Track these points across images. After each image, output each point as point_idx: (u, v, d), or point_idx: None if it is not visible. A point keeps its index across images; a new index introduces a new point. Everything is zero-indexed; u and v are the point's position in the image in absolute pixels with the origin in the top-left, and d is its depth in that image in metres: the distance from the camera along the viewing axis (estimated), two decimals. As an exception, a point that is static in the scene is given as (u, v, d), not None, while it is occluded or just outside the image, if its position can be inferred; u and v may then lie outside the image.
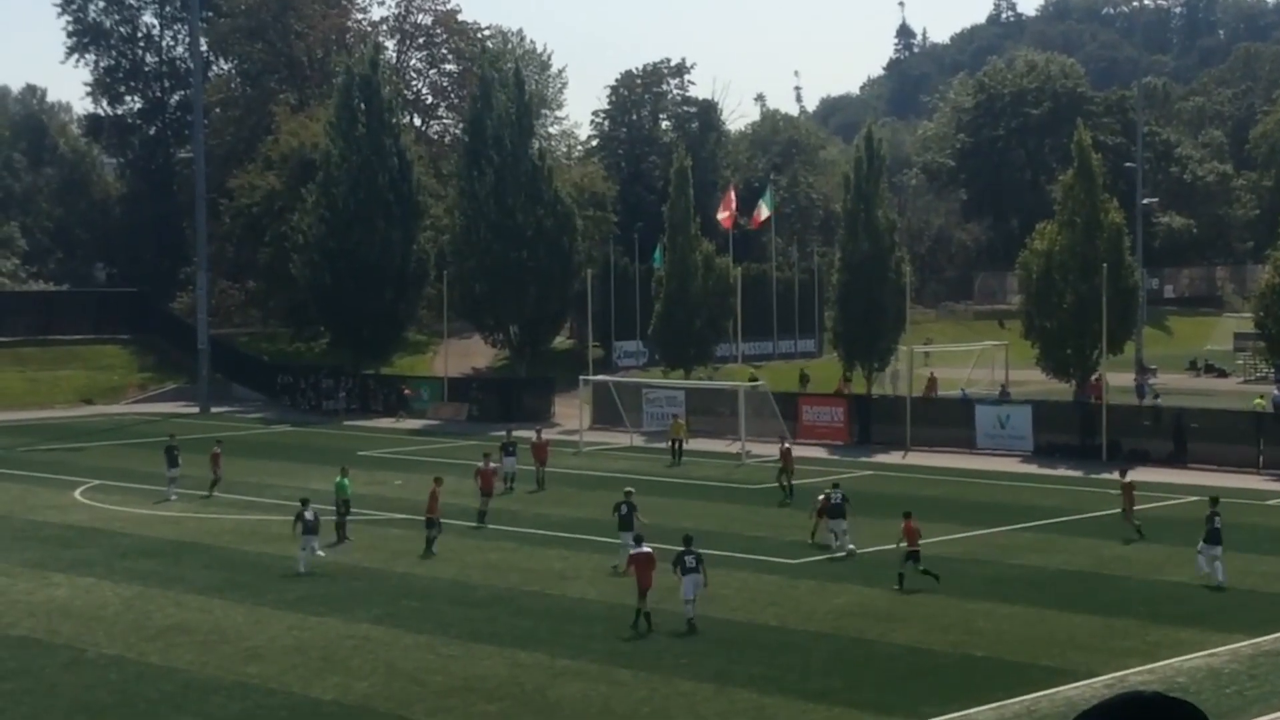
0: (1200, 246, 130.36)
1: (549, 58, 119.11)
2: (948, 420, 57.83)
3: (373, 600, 31.27)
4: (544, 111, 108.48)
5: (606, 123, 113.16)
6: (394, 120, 77.11)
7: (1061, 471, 50.29)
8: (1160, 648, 26.84)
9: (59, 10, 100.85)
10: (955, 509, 41.71)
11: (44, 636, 28.59)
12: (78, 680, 25.58)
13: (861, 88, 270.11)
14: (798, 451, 55.08)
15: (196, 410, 74.00)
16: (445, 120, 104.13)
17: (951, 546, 36.84)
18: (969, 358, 74.02)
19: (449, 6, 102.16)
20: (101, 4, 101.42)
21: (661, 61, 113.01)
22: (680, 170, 71.72)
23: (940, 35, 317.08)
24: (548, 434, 53.29)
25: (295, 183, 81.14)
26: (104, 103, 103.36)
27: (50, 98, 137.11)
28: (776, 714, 23.22)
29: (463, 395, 71.19)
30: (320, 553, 35.07)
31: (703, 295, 70.26)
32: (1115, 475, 40.84)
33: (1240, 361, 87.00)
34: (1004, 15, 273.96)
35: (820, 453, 56.09)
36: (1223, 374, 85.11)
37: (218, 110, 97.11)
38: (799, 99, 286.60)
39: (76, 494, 47.13)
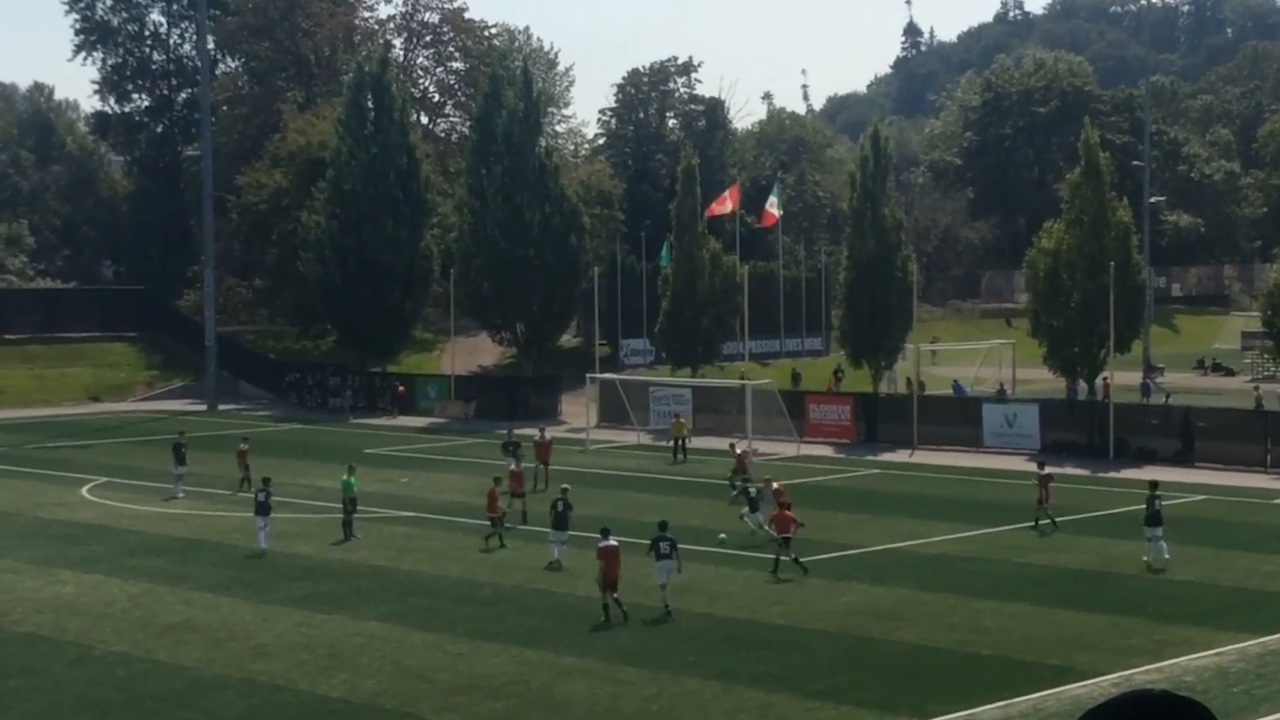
0: (1208, 245, 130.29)
1: (556, 56, 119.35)
2: (954, 419, 57.79)
3: (380, 598, 31.28)
4: (551, 110, 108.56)
5: (613, 121, 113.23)
6: (403, 118, 77.11)
7: (1068, 470, 50.18)
8: (1167, 646, 26.80)
9: (66, 8, 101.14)
10: (962, 508, 41.67)
11: (51, 633, 28.62)
12: (85, 677, 25.61)
13: (868, 86, 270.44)
14: (804, 450, 55.29)
15: (204, 408, 74.07)
16: (452, 118, 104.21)
17: (958, 545, 36.84)
18: (975, 356, 73.98)
19: (456, 5, 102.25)
20: (109, 2, 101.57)
21: (668, 60, 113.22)
22: (687, 169, 71.72)
23: (947, 34, 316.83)
24: (553, 432, 53.22)
25: (302, 181, 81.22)
26: (111, 100, 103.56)
27: (58, 95, 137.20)
28: (783, 712, 23.21)
29: (469, 393, 71.22)
30: (265, 541, 35.95)
31: (709, 293, 70.27)
32: (1034, 468, 41.19)
33: (1248, 360, 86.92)
34: (1011, 14, 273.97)
35: (827, 451, 56.10)
36: (1230, 373, 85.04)
37: (225, 108, 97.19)
38: (806, 97, 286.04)
39: (84, 491, 47.19)
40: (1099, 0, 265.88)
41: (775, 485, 37.90)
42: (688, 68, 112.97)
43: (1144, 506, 34.59)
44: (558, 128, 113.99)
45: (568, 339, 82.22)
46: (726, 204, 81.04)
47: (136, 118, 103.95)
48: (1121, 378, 61.25)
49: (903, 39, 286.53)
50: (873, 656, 26.50)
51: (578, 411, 63.27)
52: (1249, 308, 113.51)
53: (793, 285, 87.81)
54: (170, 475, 46.29)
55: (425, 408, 70.85)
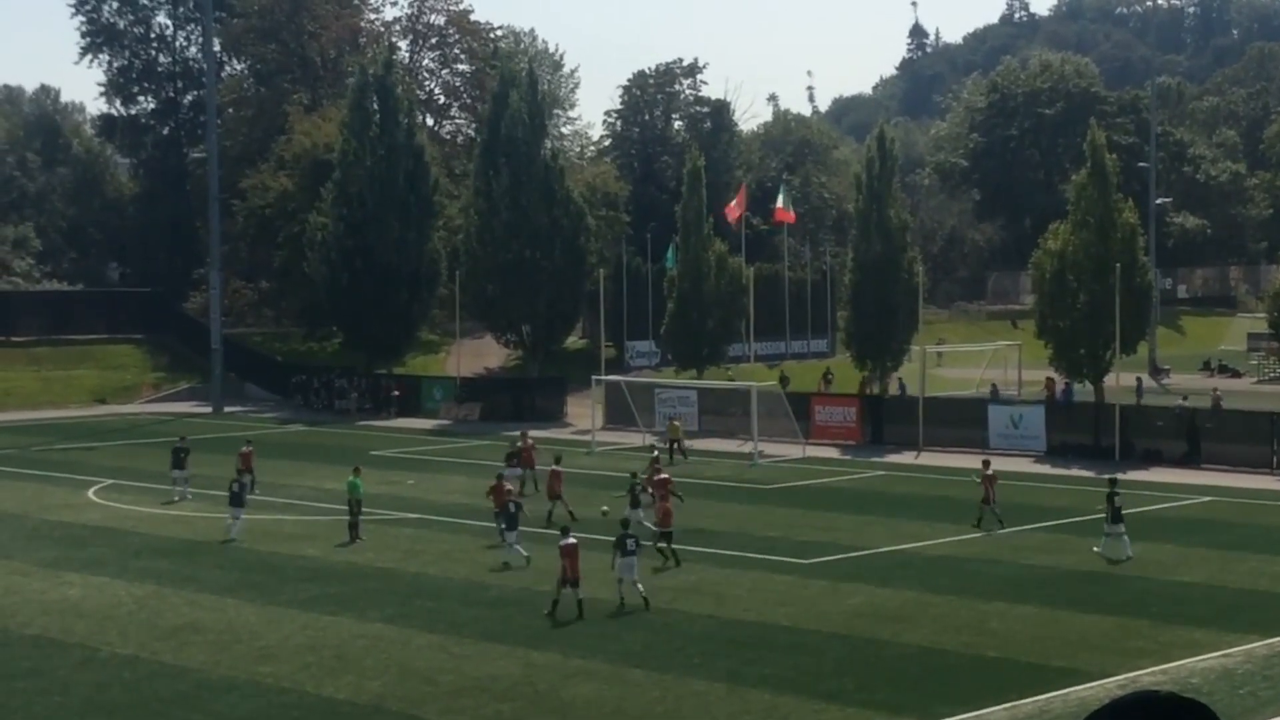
0: (1214, 246, 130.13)
1: (561, 58, 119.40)
2: (960, 420, 57.72)
3: (386, 600, 31.31)
4: (556, 112, 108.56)
5: (619, 123, 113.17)
6: (406, 121, 77.11)
7: (1074, 472, 50.18)
8: (1173, 648, 26.78)
9: (73, 11, 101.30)
10: (967, 509, 41.62)
11: (58, 635, 28.66)
12: (91, 679, 25.64)
13: (874, 88, 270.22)
14: (810, 452, 55.26)
15: (210, 410, 74.10)
16: (458, 120, 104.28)
17: (964, 547, 36.83)
18: (981, 358, 73.91)
19: (461, 7, 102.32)
20: (115, 5, 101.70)
21: (674, 62, 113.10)
22: (693, 170, 71.71)
23: (953, 35, 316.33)
24: (558, 434, 53.18)
25: (308, 183, 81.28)
26: (117, 103, 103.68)
27: (64, 98, 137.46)
28: (789, 714, 23.21)
29: (474, 395, 71.21)
30: (237, 531, 37.87)
31: (715, 295, 70.24)
32: (979, 465, 41.37)
33: (1254, 361, 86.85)
34: (1017, 15, 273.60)
35: (833, 453, 56.08)
36: (1236, 374, 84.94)
37: (231, 110, 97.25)
38: (811, 99, 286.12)
39: (90, 493, 47.23)
40: (1105, 1, 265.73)
41: (662, 475, 39.62)
42: (693, 69, 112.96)
43: (1105, 504, 35.30)
44: (563, 130, 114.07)
45: (573, 341, 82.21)
46: (740, 208, 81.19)
47: (143, 120, 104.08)
48: (1127, 379, 61.21)
49: (908, 40, 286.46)
50: (879, 658, 26.49)
51: (583, 414, 63.25)
52: (1255, 309, 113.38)
53: (798, 287, 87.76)
54: (169, 479, 46.19)
55: (431, 410, 70.87)
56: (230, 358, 78.44)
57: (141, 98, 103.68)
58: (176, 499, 44.99)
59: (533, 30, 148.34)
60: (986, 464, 41.12)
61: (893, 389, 66.27)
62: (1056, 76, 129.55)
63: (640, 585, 30.05)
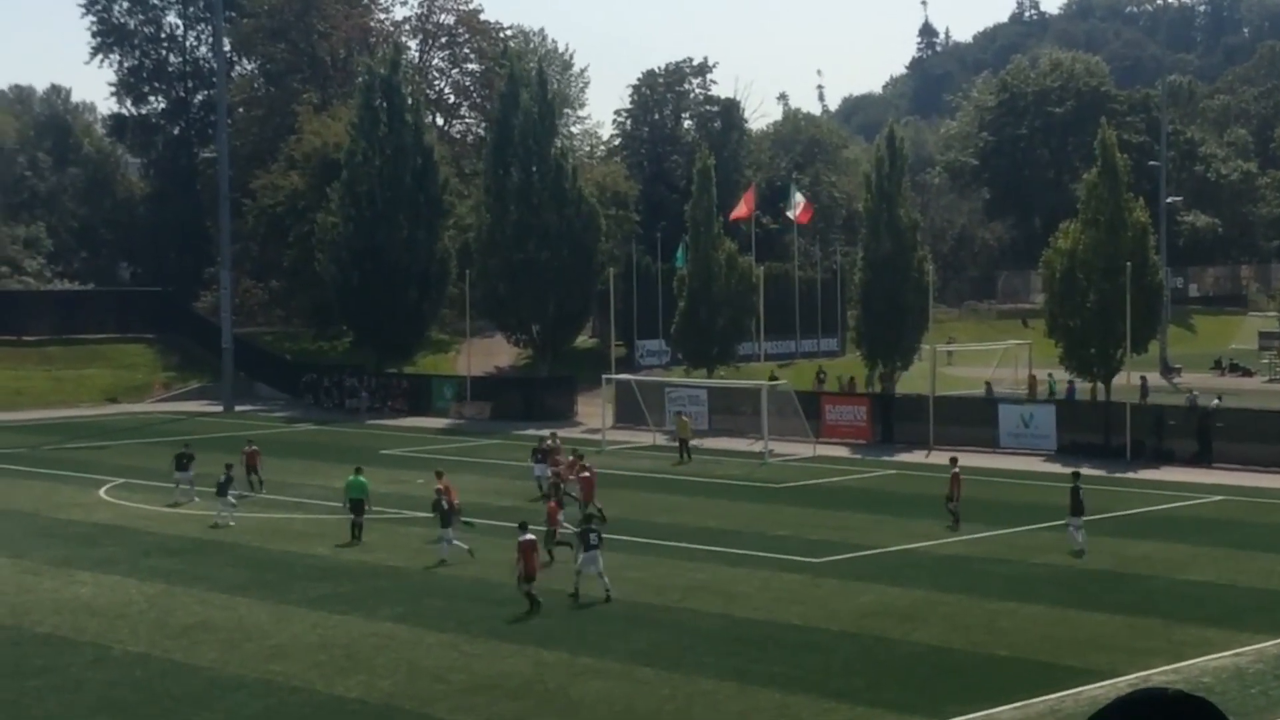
0: (1225, 245, 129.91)
1: (571, 57, 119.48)
2: (971, 419, 57.66)
3: (396, 599, 31.32)
4: (566, 111, 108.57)
5: (629, 122, 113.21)
6: (414, 120, 77.13)
7: (1085, 471, 50.02)
8: (1185, 647, 26.72)
9: (83, 11, 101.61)
10: (978, 508, 41.57)
11: (69, 634, 28.71)
12: (102, 677, 25.69)
13: (884, 87, 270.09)
14: (820, 451, 55.24)
15: (220, 409, 74.24)
16: (468, 120, 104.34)
17: (974, 546, 36.78)
18: (992, 357, 73.86)
19: (471, 6, 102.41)
20: (126, 5, 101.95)
21: (684, 61, 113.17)
22: (703, 169, 71.67)
23: (963, 34, 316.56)
24: (570, 433, 53.20)
25: (318, 182, 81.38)
26: (128, 103, 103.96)
27: (75, 98, 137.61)
28: (799, 713, 23.18)
29: (484, 394, 71.26)
30: (221, 519, 39.46)
31: (725, 294, 70.21)
32: (947, 463, 41.38)
33: (1265, 360, 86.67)
34: (1027, 14, 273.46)
35: (843, 452, 56.05)
36: (1247, 373, 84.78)
37: (241, 110, 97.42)
38: (821, 98, 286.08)
39: (101, 492, 47.31)
40: (1115, 0, 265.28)
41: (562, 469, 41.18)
42: (703, 69, 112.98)
43: (1069, 498, 35.85)
44: (573, 129, 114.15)
45: (583, 340, 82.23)
46: (747, 207, 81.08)
47: (153, 120, 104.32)
48: (1136, 379, 61.10)
49: (918, 39, 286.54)
50: (889, 657, 26.46)
51: (593, 412, 63.29)
52: (1266, 308, 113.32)
53: (808, 286, 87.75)
54: (173, 481, 46.08)
55: (441, 409, 70.92)
56: (240, 357, 78.57)
57: (152, 97, 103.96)
58: (181, 501, 44.93)
59: (542, 30, 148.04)
60: (954, 461, 41.15)
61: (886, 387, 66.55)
62: (1067, 75, 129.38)
63: (606, 578, 30.39)
